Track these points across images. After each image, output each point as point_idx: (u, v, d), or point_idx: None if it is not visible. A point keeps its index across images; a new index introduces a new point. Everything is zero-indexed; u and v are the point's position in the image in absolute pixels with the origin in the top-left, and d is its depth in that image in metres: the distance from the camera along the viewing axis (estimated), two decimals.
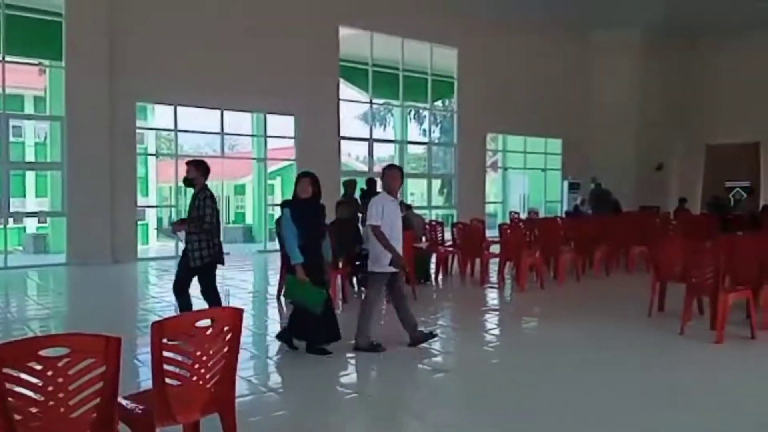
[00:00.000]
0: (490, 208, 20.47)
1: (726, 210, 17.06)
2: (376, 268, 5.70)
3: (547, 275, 9.92)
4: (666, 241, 8.35)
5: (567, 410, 4.33)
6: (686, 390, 4.84)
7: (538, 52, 19.28)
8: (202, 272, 5.88)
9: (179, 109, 13.60)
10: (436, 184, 20.04)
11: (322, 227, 5.77)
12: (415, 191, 20.82)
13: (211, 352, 2.90)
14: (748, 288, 6.43)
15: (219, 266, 6.02)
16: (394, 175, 5.78)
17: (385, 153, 19.91)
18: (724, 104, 20.70)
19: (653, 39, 20.00)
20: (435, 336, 6.01)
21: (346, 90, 16.58)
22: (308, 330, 5.62)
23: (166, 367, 2.82)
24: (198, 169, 5.90)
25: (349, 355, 5.63)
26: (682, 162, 22.04)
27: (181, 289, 5.93)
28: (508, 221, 15.00)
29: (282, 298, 8.37)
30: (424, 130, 19.35)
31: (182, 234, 5.90)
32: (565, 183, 20.58)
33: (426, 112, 18.90)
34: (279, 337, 5.88)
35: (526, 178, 21.42)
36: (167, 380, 2.83)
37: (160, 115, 15.51)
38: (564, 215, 17.18)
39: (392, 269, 5.66)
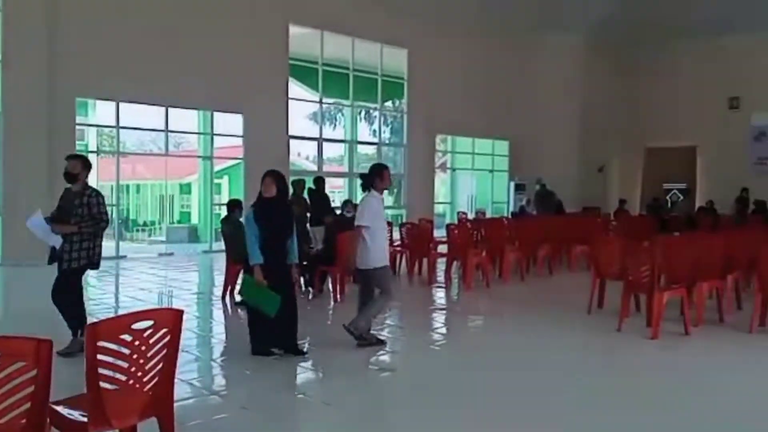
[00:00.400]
0: (439, 209, 20.66)
1: (664, 211, 17.73)
2: (378, 263, 5.80)
3: (493, 274, 10.10)
4: (606, 240, 8.63)
5: (511, 407, 4.42)
6: (621, 385, 5.00)
7: (487, 55, 19.57)
8: (73, 275, 5.44)
9: (122, 105, 13.21)
10: None
11: (289, 227, 5.60)
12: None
13: (148, 354, 2.84)
14: (682, 286, 6.70)
15: (99, 269, 5.66)
16: (387, 175, 5.95)
17: (335, 153, 19.86)
18: (663, 108, 21.51)
19: (597, 43, 20.58)
20: (384, 344, 5.99)
21: (296, 89, 16.46)
22: (258, 332, 5.51)
23: (101, 370, 2.75)
24: (83, 165, 5.52)
25: (297, 355, 5.58)
26: (623, 164, 22.81)
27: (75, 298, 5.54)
28: (456, 221, 15.20)
29: (227, 299, 8.26)
30: (374, 131, 19.37)
31: (59, 237, 5.34)
32: (512, 184, 20.97)
33: (376, 113, 18.94)
34: (256, 353, 5.51)
35: (474, 179, 21.73)
36: (103, 384, 2.75)
37: (102, 111, 15.02)
38: (510, 216, 17.50)
39: (384, 263, 5.90)
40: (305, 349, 5.65)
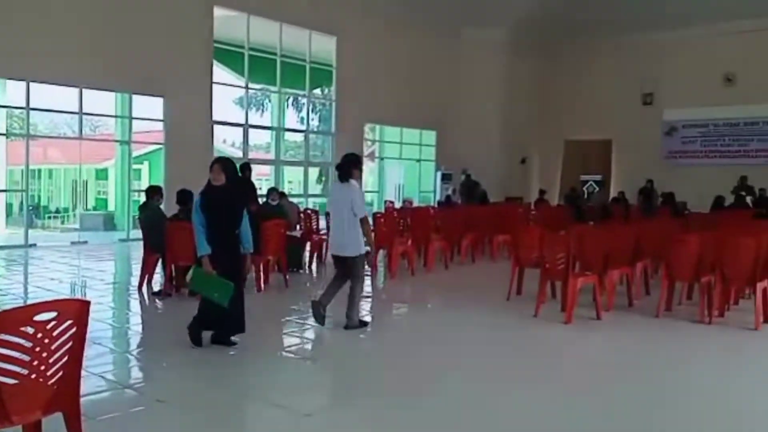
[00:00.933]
0: (367, 198, 20.71)
1: (581, 201, 18.47)
2: (363, 250, 6.07)
3: (418, 263, 10.23)
4: (525, 230, 8.91)
5: (431, 393, 4.49)
6: (535, 365, 5.20)
7: (414, 45, 19.72)
8: None
9: (33, 85, 12.47)
10: (314, 172, 19.97)
11: (240, 215, 5.47)
12: (292, 179, 20.62)
13: (52, 347, 2.71)
14: (594, 273, 7.02)
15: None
16: (362, 164, 6.30)
17: (261, 140, 19.52)
18: (582, 103, 22.36)
19: (520, 37, 21.07)
20: (367, 324, 6.38)
21: (221, 73, 16.03)
22: (214, 321, 5.38)
23: (0, 364, 2.60)
24: None
25: (216, 346, 5.47)
26: (544, 156, 23.58)
27: None
28: (383, 210, 15.29)
29: (144, 290, 7.98)
30: (302, 118, 19.17)
31: None
32: (439, 174, 21.28)
33: (304, 100, 18.73)
34: (190, 334, 5.39)
35: (401, 168, 21.89)
36: (2, 378, 2.61)
37: (11, 92, 14.13)
38: (437, 205, 17.77)
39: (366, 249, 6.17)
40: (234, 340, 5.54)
